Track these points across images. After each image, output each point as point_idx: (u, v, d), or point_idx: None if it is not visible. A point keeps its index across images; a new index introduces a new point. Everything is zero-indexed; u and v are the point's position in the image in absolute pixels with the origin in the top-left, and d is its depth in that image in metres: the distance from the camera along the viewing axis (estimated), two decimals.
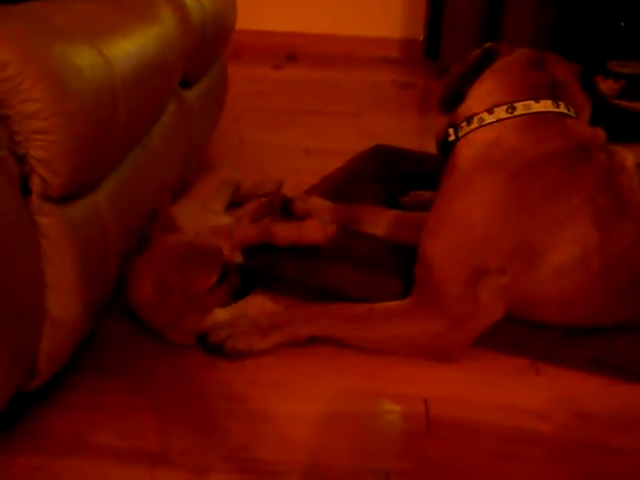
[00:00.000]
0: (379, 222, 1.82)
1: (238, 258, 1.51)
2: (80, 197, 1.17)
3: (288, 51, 4.03)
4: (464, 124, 1.53)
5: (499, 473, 1.16)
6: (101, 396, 1.29)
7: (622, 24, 3.40)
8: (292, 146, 2.54)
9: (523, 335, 1.46)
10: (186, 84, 1.93)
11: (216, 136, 2.49)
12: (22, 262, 1.03)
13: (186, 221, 1.53)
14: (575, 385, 1.36)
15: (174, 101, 1.78)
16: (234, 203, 1.91)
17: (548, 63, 1.56)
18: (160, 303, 1.36)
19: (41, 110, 1.00)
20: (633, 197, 1.42)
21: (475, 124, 1.50)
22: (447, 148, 1.57)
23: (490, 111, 1.48)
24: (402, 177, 2.19)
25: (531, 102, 1.46)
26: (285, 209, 1.89)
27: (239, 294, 1.42)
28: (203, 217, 1.66)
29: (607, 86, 2.95)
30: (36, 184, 1.05)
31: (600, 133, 1.49)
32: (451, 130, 1.56)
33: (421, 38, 4.07)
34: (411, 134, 2.87)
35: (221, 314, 1.41)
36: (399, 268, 1.61)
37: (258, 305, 1.47)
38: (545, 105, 1.46)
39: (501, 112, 1.47)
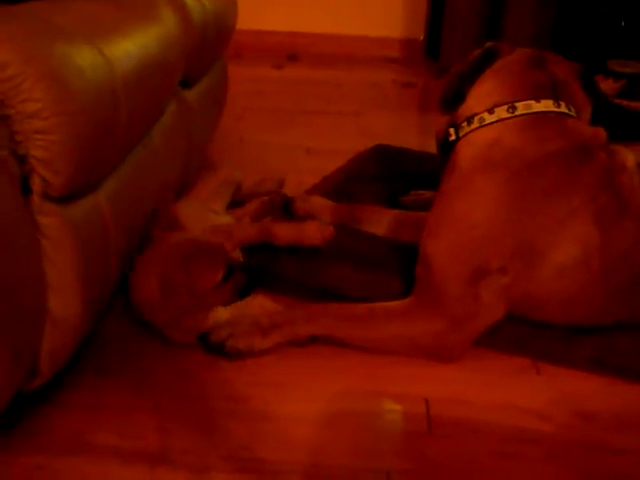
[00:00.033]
0: (380, 222, 1.82)
1: (238, 257, 1.51)
2: (81, 197, 1.17)
3: (289, 51, 4.03)
4: (465, 124, 1.53)
5: (500, 473, 1.16)
6: (102, 396, 1.29)
7: (622, 23, 3.40)
8: (293, 146, 2.55)
9: (524, 335, 1.46)
10: (187, 84, 1.93)
11: (217, 136, 2.49)
12: (23, 262, 1.03)
13: (189, 219, 1.53)
14: (576, 385, 1.36)
15: (175, 101, 1.78)
16: (235, 202, 1.91)
17: (549, 63, 1.56)
18: (165, 301, 1.36)
19: (42, 110, 1.00)
20: (634, 197, 1.42)
21: (476, 124, 1.50)
22: (448, 148, 1.57)
23: (491, 111, 1.48)
24: (403, 177, 2.20)
25: (532, 102, 1.46)
26: (286, 209, 1.89)
27: (243, 292, 1.42)
28: (204, 216, 1.66)
29: (607, 85, 2.95)
30: (37, 184, 1.05)
31: (601, 133, 1.49)
32: (452, 130, 1.56)
33: (421, 38, 4.07)
34: (411, 134, 2.88)
35: (222, 314, 1.41)
36: (400, 268, 1.61)
37: (259, 305, 1.47)
38: (546, 105, 1.46)
39: (502, 112, 1.47)
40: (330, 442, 1.21)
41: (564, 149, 1.41)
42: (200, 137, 2.08)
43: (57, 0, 1.28)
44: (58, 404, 1.25)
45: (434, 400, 1.31)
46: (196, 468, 1.13)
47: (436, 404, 1.30)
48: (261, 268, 1.54)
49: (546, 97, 1.48)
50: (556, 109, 1.47)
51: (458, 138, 1.54)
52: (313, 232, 1.64)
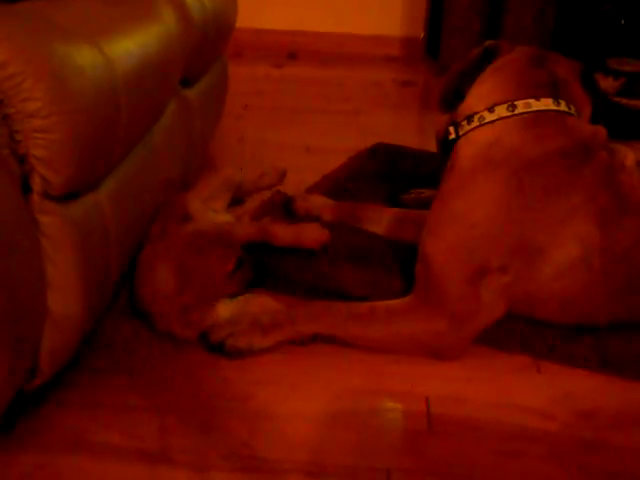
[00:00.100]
0: (380, 220, 1.82)
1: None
2: (81, 196, 1.17)
3: (289, 49, 4.03)
4: (464, 122, 1.53)
5: (500, 471, 1.16)
6: (102, 394, 1.29)
7: (622, 22, 3.39)
8: (293, 144, 2.55)
9: (524, 333, 1.46)
10: (187, 83, 1.93)
11: (217, 134, 2.49)
12: (23, 261, 1.03)
13: (198, 211, 1.56)
14: (576, 383, 1.36)
15: (175, 100, 1.78)
16: (235, 199, 1.91)
17: (548, 61, 1.56)
18: (180, 288, 1.38)
19: (42, 109, 1.00)
20: (634, 195, 1.42)
21: (476, 122, 1.50)
22: (447, 147, 1.57)
23: (491, 109, 1.48)
24: (403, 175, 2.20)
25: (532, 100, 1.46)
26: (286, 207, 1.90)
27: (251, 285, 1.46)
28: (205, 214, 1.67)
29: (607, 84, 2.95)
30: (37, 183, 1.05)
31: (601, 131, 1.49)
32: (451, 128, 1.56)
33: (421, 36, 4.07)
34: (411, 132, 2.88)
35: (224, 312, 1.41)
36: (400, 266, 1.61)
37: (259, 303, 1.47)
38: (546, 103, 1.46)
39: (502, 110, 1.47)
40: (331, 440, 1.21)
41: (564, 148, 1.41)
42: (200, 136, 2.08)
43: None
44: (58, 403, 1.25)
45: (435, 398, 1.31)
46: (196, 467, 1.13)
47: (437, 402, 1.30)
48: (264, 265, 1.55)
49: (546, 96, 1.48)
50: (556, 107, 1.47)
51: (458, 137, 1.54)
52: (312, 234, 1.65)
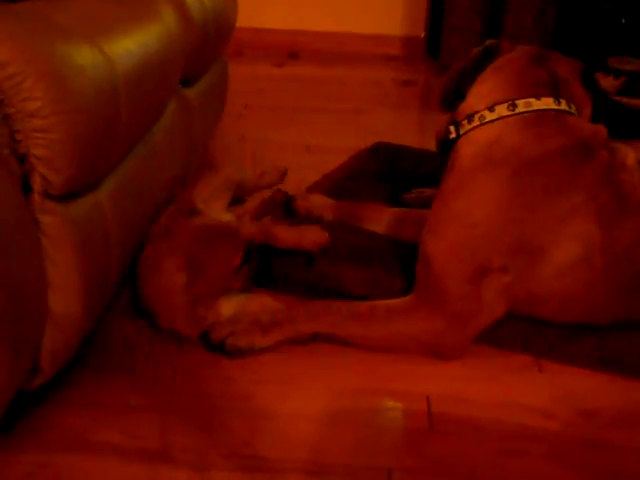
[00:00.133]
0: (380, 220, 1.82)
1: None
2: (82, 195, 1.17)
3: (290, 49, 4.03)
4: (465, 122, 1.53)
5: (501, 470, 1.16)
6: (102, 394, 1.29)
7: (623, 21, 3.39)
8: (294, 143, 2.55)
9: (525, 332, 1.46)
10: (187, 82, 1.93)
11: (218, 134, 2.49)
12: (23, 261, 1.03)
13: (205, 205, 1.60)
14: (578, 382, 1.36)
15: (175, 99, 1.78)
16: (236, 199, 1.91)
17: (549, 60, 1.56)
18: (191, 280, 1.40)
19: (42, 108, 1.00)
20: (634, 194, 1.42)
21: (476, 122, 1.50)
22: (448, 146, 1.57)
23: (491, 109, 1.48)
24: (403, 174, 2.20)
25: (532, 100, 1.46)
26: (286, 207, 1.90)
27: (256, 281, 1.48)
28: (211, 209, 1.69)
29: (608, 83, 2.95)
30: (37, 182, 1.05)
31: (601, 130, 1.49)
32: (452, 128, 1.56)
33: (422, 36, 4.06)
34: (412, 131, 2.88)
35: (226, 309, 1.42)
36: (401, 266, 1.61)
37: (259, 303, 1.47)
38: (546, 102, 1.46)
39: (502, 110, 1.47)
40: (331, 440, 1.21)
41: (565, 147, 1.41)
42: (201, 135, 2.08)
43: None
44: (58, 402, 1.25)
45: (435, 397, 1.31)
46: (197, 466, 1.13)
47: (437, 401, 1.30)
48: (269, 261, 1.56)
49: (546, 95, 1.47)
50: (556, 107, 1.46)
51: (458, 136, 1.54)
52: (312, 236, 1.65)
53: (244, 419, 1.24)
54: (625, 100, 2.88)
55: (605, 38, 3.39)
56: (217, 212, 1.73)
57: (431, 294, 1.41)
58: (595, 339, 1.44)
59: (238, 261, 1.45)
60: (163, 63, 1.51)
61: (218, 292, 1.43)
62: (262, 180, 2.05)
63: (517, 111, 1.45)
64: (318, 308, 1.44)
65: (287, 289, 1.58)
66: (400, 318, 1.42)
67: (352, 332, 1.41)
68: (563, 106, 1.47)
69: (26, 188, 1.05)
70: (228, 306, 1.43)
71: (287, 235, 1.63)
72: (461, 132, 1.53)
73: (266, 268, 1.50)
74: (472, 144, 1.49)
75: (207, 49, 2.01)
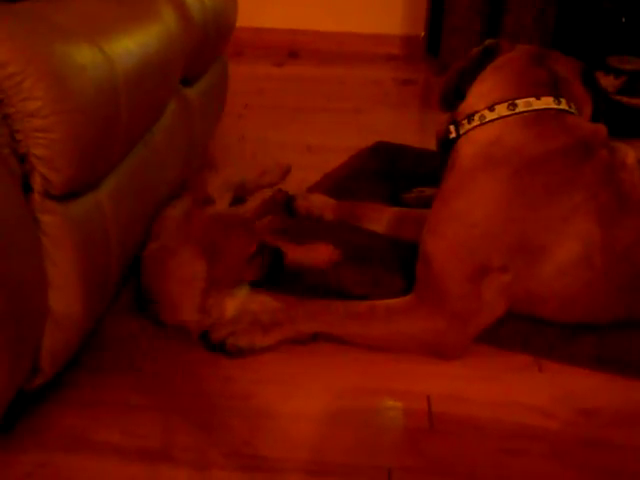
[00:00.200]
0: (380, 219, 1.82)
1: None
2: (82, 195, 1.17)
3: (289, 48, 4.03)
4: (465, 121, 1.53)
5: (502, 469, 1.16)
6: (102, 393, 1.29)
7: (623, 20, 3.39)
8: (294, 143, 2.54)
9: (525, 332, 1.46)
10: (187, 82, 1.93)
11: (218, 133, 2.49)
12: (24, 260, 1.03)
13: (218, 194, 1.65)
14: (577, 382, 1.36)
15: (175, 99, 1.78)
16: (237, 198, 1.91)
17: (549, 60, 1.56)
18: (208, 266, 1.41)
19: (42, 108, 1.00)
20: (634, 194, 1.42)
21: (476, 121, 1.50)
22: (448, 146, 1.57)
23: (491, 108, 1.48)
24: (403, 174, 2.20)
25: (532, 99, 1.46)
26: (287, 206, 1.90)
27: (268, 274, 1.49)
28: (224, 199, 1.71)
29: (608, 82, 2.94)
30: (37, 182, 1.05)
31: (601, 129, 1.49)
32: (452, 127, 1.56)
33: (422, 35, 4.06)
34: (412, 131, 2.87)
35: (230, 307, 1.42)
36: (401, 265, 1.61)
37: (260, 302, 1.47)
38: (546, 102, 1.46)
39: (502, 109, 1.47)
40: (332, 439, 1.21)
41: (565, 146, 1.41)
42: (201, 135, 2.08)
43: None
44: (58, 402, 1.25)
45: (436, 397, 1.31)
46: (197, 465, 1.13)
47: (438, 401, 1.30)
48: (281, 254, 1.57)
49: (546, 94, 1.47)
50: (556, 106, 1.46)
51: (458, 136, 1.54)
52: (322, 255, 1.65)
53: (244, 418, 1.24)
54: (625, 99, 2.88)
55: (605, 37, 3.38)
56: None
57: (431, 293, 1.41)
58: (595, 338, 1.45)
59: (253, 249, 1.46)
60: (163, 63, 1.51)
61: (232, 280, 1.44)
62: (263, 179, 2.05)
63: (517, 111, 1.45)
64: (318, 308, 1.44)
65: (287, 289, 1.58)
66: (400, 317, 1.42)
67: (352, 332, 1.41)
68: (563, 105, 1.47)
69: (26, 188, 1.05)
70: (232, 305, 1.43)
71: (296, 253, 1.63)
72: (461, 132, 1.53)
73: (279, 262, 1.50)
74: (472, 144, 1.49)
75: (207, 49, 2.01)
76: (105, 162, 1.24)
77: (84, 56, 1.12)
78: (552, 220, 1.38)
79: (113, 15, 1.38)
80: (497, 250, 1.38)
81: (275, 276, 1.51)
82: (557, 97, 1.48)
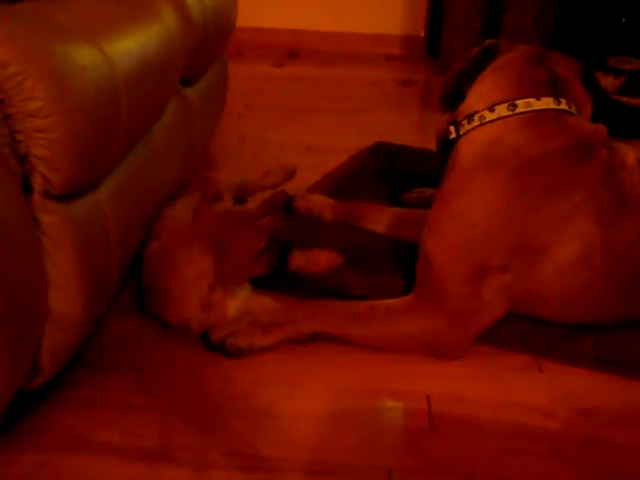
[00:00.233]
0: (380, 219, 1.82)
1: None
2: (82, 195, 1.17)
3: (290, 48, 4.03)
4: (465, 122, 1.53)
5: (502, 469, 1.16)
6: (102, 393, 1.29)
7: (623, 20, 3.39)
8: (294, 143, 2.55)
9: (525, 332, 1.46)
10: (187, 82, 1.93)
11: (218, 133, 2.49)
12: (24, 260, 1.03)
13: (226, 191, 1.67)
14: (577, 382, 1.36)
15: (175, 99, 1.78)
16: (238, 199, 1.91)
17: (549, 60, 1.56)
18: (217, 261, 1.41)
19: (42, 108, 1.00)
20: (634, 194, 1.42)
21: (476, 122, 1.50)
22: (448, 146, 1.57)
23: (491, 109, 1.48)
24: (403, 174, 2.20)
25: (532, 99, 1.46)
26: (287, 207, 1.90)
27: (276, 269, 1.50)
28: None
29: (608, 82, 2.95)
30: (38, 182, 1.05)
31: (601, 130, 1.49)
32: (452, 128, 1.56)
33: (422, 35, 4.06)
34: (412, 131, 2.88)
35: (232, 308, 1.42)
36: (401, 266, 1.61)
37: (259, 303, 1.47)
38: (546, 102, 1.46)
39: (502, 110, 1.47)
40: (332, 439, 1.21)
41: (565, 146, 1.41)
42: (201, 135, 2.08)
43: None
44: (58, 402, 1.25)
45: (436, 397, 1.31)
46: (197, 465, 1.13)
47: (438, 401, 1.30)
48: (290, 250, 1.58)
49: (546, 95, 1.47)
50: (556, 107, 1.46)
51: (458, 136, 1.54)
52: (324, 261, 1.64)
53: (244, 419, 1.24)
54: (625, 99, 2.88)
55: (605, 37, 3.39)
56: None
57: (431, 293, 1.41)
58: (595, 338, 1.45)
59: (262, 245, 1.46)
60: (163, 63, 1.51)
61: (241, 276, 1.44)
62: (265, 181, 2.05)
63: (517, 111, 1.45)
64: (318, 308, 1.44)
65: (287, 289, 1.58)
66: (400, 317, 1.42)
67: (352, 332, 1.42)
68: (563, 106, 1.47)
69: (26, 188, 1.05)
70: (234, 305, 1.43)
71: (299, 259, 1.62)
72: (461, 132, 1.53)
73: (286, 258, 1.51)
74: (472, 144, 1.49)
75: (207, 49, 2.01)
76: (105, 162, 1.24)
77: (84, 56, 1.12)
78: (552, 220, 1.38)
79: (113, 15, 1.38)
80: (497, 250, 1.38)
81: (283, 270, 1.51)
82: (557, 97, 1.48)
